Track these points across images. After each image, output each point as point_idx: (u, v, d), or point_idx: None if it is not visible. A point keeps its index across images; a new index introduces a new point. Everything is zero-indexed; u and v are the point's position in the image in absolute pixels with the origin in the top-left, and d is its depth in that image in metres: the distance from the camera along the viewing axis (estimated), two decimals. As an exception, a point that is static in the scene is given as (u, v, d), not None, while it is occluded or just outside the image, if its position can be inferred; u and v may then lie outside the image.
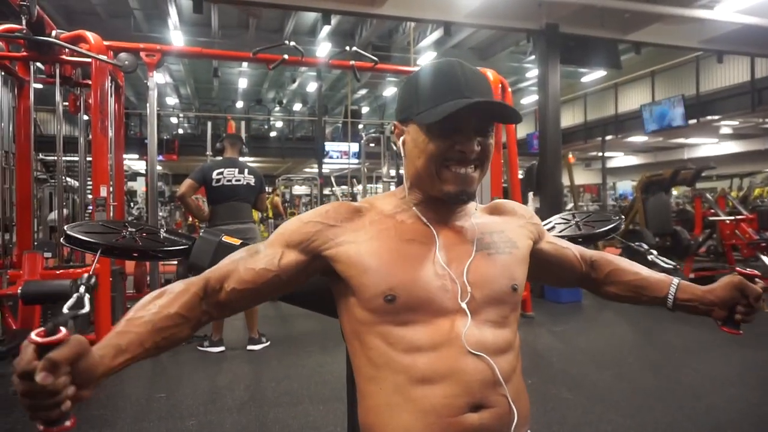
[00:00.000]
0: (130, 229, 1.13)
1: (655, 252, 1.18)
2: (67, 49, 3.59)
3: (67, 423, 0.61)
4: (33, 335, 0.59)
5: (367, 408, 0.85)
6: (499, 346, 0.84)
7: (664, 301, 1.00)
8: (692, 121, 11.61)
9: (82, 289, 0.94)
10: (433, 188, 0.87)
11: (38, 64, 3.98)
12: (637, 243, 1.10)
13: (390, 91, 19.66)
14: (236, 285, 0.85)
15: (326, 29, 12.49)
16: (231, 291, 0.85)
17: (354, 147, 14.02)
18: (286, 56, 4.47)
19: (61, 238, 1.09)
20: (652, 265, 1.13)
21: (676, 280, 1.00)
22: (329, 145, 16.02)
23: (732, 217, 6.10)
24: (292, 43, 4.58)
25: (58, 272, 3.43)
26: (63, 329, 0.60)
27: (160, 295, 0.82)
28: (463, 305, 0.83)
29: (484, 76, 0.88)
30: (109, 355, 0.71)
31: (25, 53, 3.75)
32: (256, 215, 6.94)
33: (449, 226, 0.91)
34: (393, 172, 7.83)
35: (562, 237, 1.37)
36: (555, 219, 1.54)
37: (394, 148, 0.95)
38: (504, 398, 0.81)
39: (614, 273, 1.06)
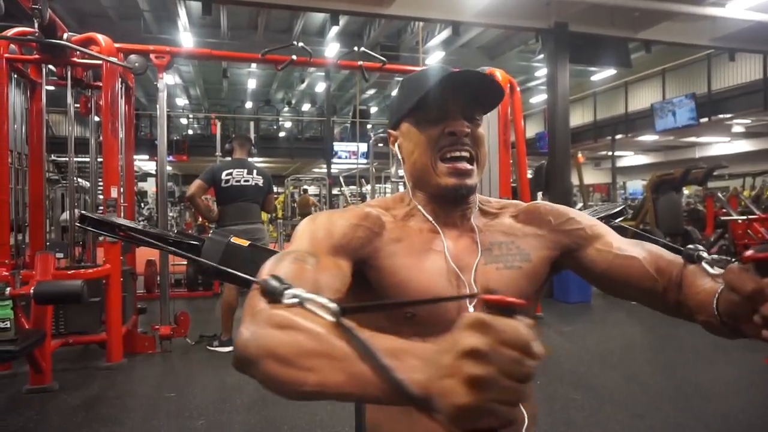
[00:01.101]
0: (142, 221, 1.15)
1: (709, 257, 0.79)
2: (78, 52, 3.63)
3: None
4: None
5: (374, 407, 0.86)
6: None
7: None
8: (704, 120, 11.50)
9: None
10: (431, 184, 0.87)
11: (50, 67, 4.03)
12: (691, 246, 0.81)
13: (398, 91, 19.63)
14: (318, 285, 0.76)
15: (335, 29, 12.51)
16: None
17: (363, 147, 14.03)
18: (294, 57, 4.48)
19: (77, 222, 1.13)
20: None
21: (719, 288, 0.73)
22: (338, 146, 16.05)
23: (744, 217, 6.04)
24: (301, 44, 4.60)
25: (69, 272, 3.46)
26: None
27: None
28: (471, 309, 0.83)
29: (476, 71, 0.86)
30: None
31: (37, 56, 3.80)
32: (265, 216, 6.97)
33: (458, 230, 0.90)
34: (401, 172, 7.82)
35: None
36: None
37: (395, 154, 0.94)
38: None
39: (691, 286, 0.79)
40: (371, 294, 0.86)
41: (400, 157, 0.91)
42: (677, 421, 2.70)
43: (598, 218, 1.35)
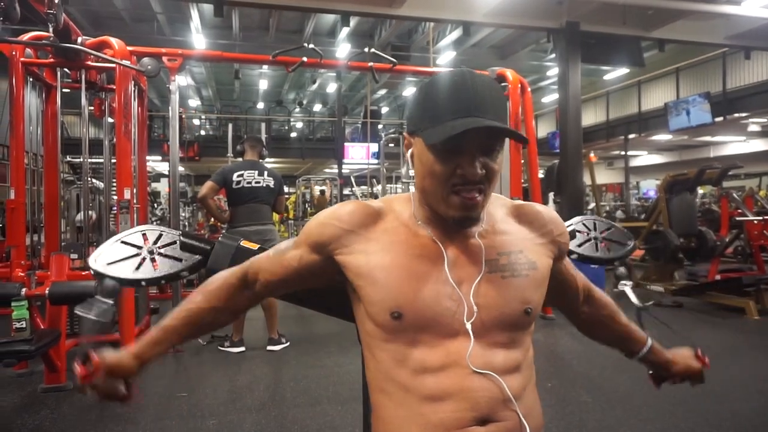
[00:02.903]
0: (148, 249, 1.16)
1: (629, 285, 1.46)
2: (92, 55, 3.68)
3: (130, 393, 0.92)
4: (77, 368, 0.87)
5: (378, 417, 0.87)
6: (508, 366, 0.83)
7: (632, 356, 1.18)
8: (719, 119, 11.35)
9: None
10: (438, 209, 0.85)
11: (65, 70, 4.09)
12: (620, 271, 1.34)
13: (410, 91, 19.64)
14: (269, 277, 0.95)
15: (345, 30, 12.54)
16: (264, 282, 0.96)
17: (374, 147, 14.05)
18: (305, 58, 4.51)
19: (92, 272, 1.17)
20: (621, 295, 1.23)
21: (649, 342, 1.18)
22: (350, 146, 16.08)
23: (760, 217, 5.94)
24: (311, 46, 4.62)
25: (83, 273, 3.51)
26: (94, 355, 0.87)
27: (201, 291, 0.98)
28: (468, 326, 0.82)
29: (497, 89, 0.85)
30: (146, 352, 0.93)
31: (52, 60, 3.85)
32: (277, 216, 7.01)
33: (461, 240, 0.88)
34: (412, 173, 7.81)
35: (580, 254, 1.43)
36: (576, 223, 1.53)
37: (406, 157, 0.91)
38: (514, 413, 0.81)
39: (607, 318, 1.10)
40: (354, 291, 0.89)
41: (411, 164, 0.89)
42: (688, 424, 2.67)
43: (605, 257, 1.44)
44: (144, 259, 1.16)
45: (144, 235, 1.19)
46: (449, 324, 0.82)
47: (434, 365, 0.81)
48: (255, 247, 1.18)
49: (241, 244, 1.19)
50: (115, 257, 1.16)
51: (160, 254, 1.17)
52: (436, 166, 0.82)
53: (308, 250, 0.91)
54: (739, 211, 6.29)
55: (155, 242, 1.18)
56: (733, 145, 15.94)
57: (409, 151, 0.89)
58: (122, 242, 1.17)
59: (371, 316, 0.86)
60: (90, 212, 4.60)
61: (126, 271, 1.15)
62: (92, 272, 1.17)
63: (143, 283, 1.17)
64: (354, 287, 0.88)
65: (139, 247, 1.17)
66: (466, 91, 0.81)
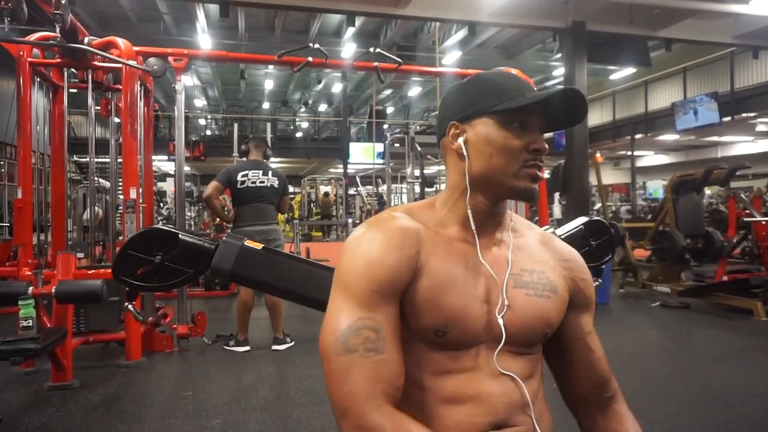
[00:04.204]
0: (159, 256, 1.18)
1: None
2: (98, 56, 3.70)
3: None
4: None
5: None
6: (525, 373, 0.84)
7: None
8: (726, 119, 11.28)
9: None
10: (504, 185, 0.84)
11: (72, 70, 4.11)
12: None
13: (415, 91, 19.63)
14: (400, 370, 0.78)
15: (351, 30, 12.54)
16: (400, 377, 0.78)
17: (379, 147, 14.06)
18: (310, 59, 4.51)
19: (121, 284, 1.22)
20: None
21: None
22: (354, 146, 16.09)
23: (768, 218, 5.90)
24: (316, 45, 4.62)
25: (90, 272, 3.53)
26: None
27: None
28: (500, 322, 0.82)
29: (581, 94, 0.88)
30: None
31: (59, 60, 3.87)
32: (282, 216, 7.03)
33: (492, 248, 0.87)
34: (417, 172, 7.82)
35: None
36: (579, 226, 1.52)
37: (452, 147, 0.87)
38: (529, 419, 0.82)
39: (615, 422, 0.96)
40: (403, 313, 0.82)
41: (465, 152, 0.85)
42: (695, 426, 2.65)
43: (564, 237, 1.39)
44: (157, 266, 1.19)
45: (150, 238, 1.19)
46: (480, 334, 0.82)
47: (457, 368, 0.81)
48: (259, 246, 1.18)
49: (245, 243, 1.18)
50: (133, 268, 1.19)
51: (169, 260, 1.19)
52: (511, 141, 0.82)
53: (390, 300, 0.80)
54: (747, 211, 6.25)
55: (162, 246, 1.19)
56: (741, 145, 15.84)
57: (460, 138, 0.86)
58: (133, 251, 1.19)
59: (410, 324, 0.82)
60: (96, 208, 4.62)
61: (146, 280, 1.19)
62: (122, 284, 1.21)
63: (161, 290, 1.20)
64: (405, 307, 0.82)
65: (151, 255, 1.19)
66: (518, 78, 0.87)
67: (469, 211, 0.85)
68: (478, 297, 0.82)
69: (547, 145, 0.84)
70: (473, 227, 0.85)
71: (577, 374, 0.94)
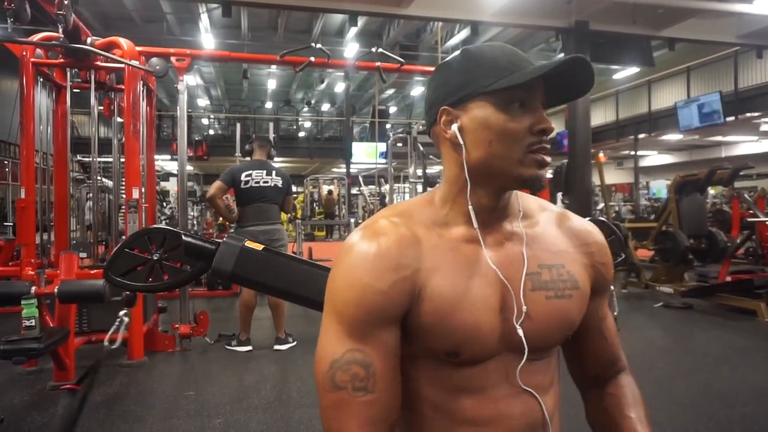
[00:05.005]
0: (157, 256, 1.17)
1: None
2: (101, 56, 3.71)
3: None
4: None
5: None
6: (544, 383, 0.79)
7: None
8: (730, 119, 11.24)
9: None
10: (507, 174, 0.74)
11: (75, 70, 4.12)
12: None
13: (417, 91, 19.62)
14: (393, 406, 0.73)
15: (354, 30, 12.54)
16: (393, 412, 0.73)
17: (381, 147, 14.07)
18: (312, 59, 4.51)
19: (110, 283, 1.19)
20: None
21: None
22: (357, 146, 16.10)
23: (771, 218, 5.88)
24: (319, 45, 4.62)
25: (92, 272, 3.54)
26: None
27: None
28: (520, 333, 0.74)
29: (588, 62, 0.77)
30: None
31: (62, 60, 3.89)
32: (285, 216, 7.04)
33: (503, 236, 0.78)
34: (420, 172, 7.82)
35: None
36: None
37: (446, 136, 0.77)
38: None
39: (618, 406, 0.89)
40: (405, 333, 0.75)
41: (461, 141, 0.74)
42: (698, 427, 2.65)
43: None
44: (154, 266, 1.18)
45: (149, 238, 1.19)
46: (496, 347, 0.75)
47: (471, 386, 0.75)
48: (260, 248, 1.18)
49: (245, 245, 1.18)
50: (128, 266, 1.17)
51: (168, 260, 1.18)
52: (512, 123, 0.72)
53: (384, 328, 0.72)
54: (751, 211, 6.23)
55: (161, 245, 1.18)
56: (745, 145, 15.77)
57: (454, 125, 0.75)
58: (131, 249, 1.18)
59: (420, 343, 0.75)
60: (88, 203, 4.62)
61: (140, 279, 1.18)
62: (111, 283, 1.18)
63: (157, 290, 1.18)
64: (410, 328, 0.75)
65: (149, 255, 1.18)
66: (514, 50, 0.76)
67: (470, 207, 0.75)
68: (492, 307, 0.74)
69: (553, 124, 0.74)
70: (476, 226, 0.75)
71: (586, 359, 0.89)
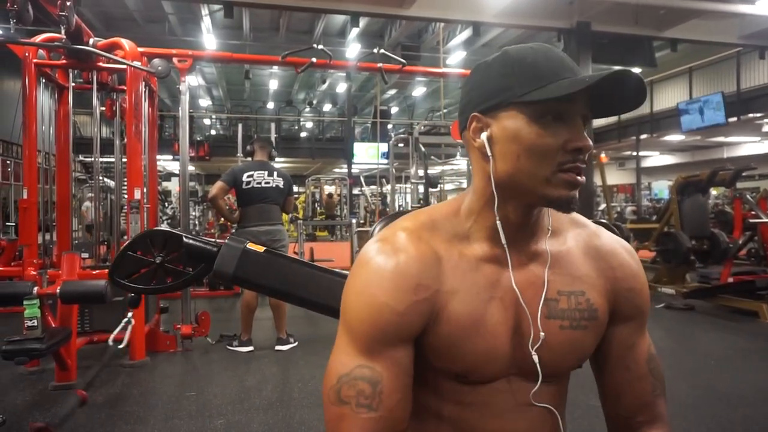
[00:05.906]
0: (159, 258, 1.18)
1: None
2: (103, 57, 3.71)
3: None
4: None
5: None
6: (553, 405, 0.77)
7: None
8: (732, 119, 11.23)
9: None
10: (535, 193, 0.69)
11: (77, 71, 4.13)
12: None
13: (419, 92, 19.62)
14: (397, 425, 0.70)
15: (355, 30, 12.56)
16: (403, 426, 0.71)
17: (383, 147, 14.07)
18: (314, 59, 4.51)
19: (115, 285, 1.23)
20: None
21: None
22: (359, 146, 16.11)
23: (774, 220, 5.86)
24: (320, 46, 4.63)
25: (94, 272, 3.55)
26: None
27: None
28: (535, 359, 0.72)
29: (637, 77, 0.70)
30: None
31: (64, 61, 3.89)
32: (286, 216, 7.06)
33: (526, 257, 0.75)
34: (421, 173, 7.82)
35: None
36: None
37: (474, 145, 0.72)
38: None
39: None
40: (419, 353, 0.73)
41: (489, 152, 0.70)
42: (700, 429, 2.64)
43: None
44: (157, 269, 1.19)
45: (151, 240, 1.19)
46: (506, 370, 0.74)
47: (478, 401, 0.74)
48: (261, 249, 1.18)
49: (247, 247, 1.19)
50: (132, 269, 1.19)
51: (170, 262, 1.19)
52: (543, 139, 0.66)
53: (396, 347, 0.70)
54: (753, 212, 6.21)
55: (163, 248, 1.19)
56: (747, 146, 15.74)
57: (483, 134, 0.70)
58: (133, 252, 1.19)
59: (430, 360, 0.74)
60: (87, 203, 4.63)
61: (144, 282, 1.19)
62: (116, 285, 1.19)
63: (161, 293, 1.20)
64: (423, 348, 0.73)
65: (152, 257, 1.19)
66: (559, 54, 0.70)
67: (498, 223, 0.71)
68: (506, 332, 0.72)
69: (591, 142, 0.68)
70: (504, 242, 0.71)
71: (608, 396, 0.82)
